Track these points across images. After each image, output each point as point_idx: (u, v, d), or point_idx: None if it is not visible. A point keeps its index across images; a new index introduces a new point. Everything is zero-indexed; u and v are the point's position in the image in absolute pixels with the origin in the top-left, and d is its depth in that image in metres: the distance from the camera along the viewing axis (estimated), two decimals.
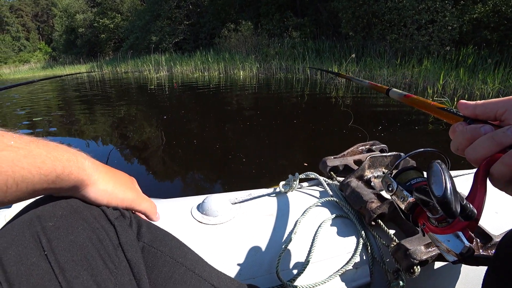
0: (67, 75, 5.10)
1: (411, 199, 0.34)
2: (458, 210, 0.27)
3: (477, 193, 0.30)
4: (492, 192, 0.68)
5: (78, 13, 22.59)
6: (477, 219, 0.28)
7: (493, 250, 0.54)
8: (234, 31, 11.87)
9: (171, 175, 2.48)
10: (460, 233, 0.29)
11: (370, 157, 0.61)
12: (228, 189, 2.15)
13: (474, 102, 0.34)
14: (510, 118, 0.30)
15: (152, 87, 8.17)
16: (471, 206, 0.28)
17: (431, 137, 3.18)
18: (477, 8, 7.11)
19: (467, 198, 0.30)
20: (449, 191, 0.27)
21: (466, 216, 0.27)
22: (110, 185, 0.38)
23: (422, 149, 0.40)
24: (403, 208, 0.35)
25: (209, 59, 11.37)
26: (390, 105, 4.83)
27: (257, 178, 2.17)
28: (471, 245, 0.29)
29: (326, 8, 10.85)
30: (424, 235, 0.31)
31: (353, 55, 8.33)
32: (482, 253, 0.53)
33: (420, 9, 7.46)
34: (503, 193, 0.67)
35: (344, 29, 9.22)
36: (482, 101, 0.33)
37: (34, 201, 0.36)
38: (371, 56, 8.49)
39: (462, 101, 0.35)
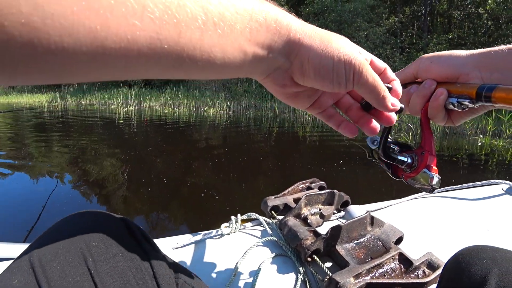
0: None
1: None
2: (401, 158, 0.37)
3: (426, 136, 0.38)
4: (414, 221, 0.75)
5: None
6: (433, 155, 0.36)
7: (415, 273, 0.59)
8: None
9: (134, 214, 2.37)
10: (425, 170, 0.36)
11: (306, 196, 0.66)
12: (193, 228, 2.10)
13: (397, 73, 0.41)
14: (422, 75, 0.39)
15: (121, 121, 7.99)
16: (408, 155, 0.37)
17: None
18: (419, 55, 8.15)
19: (420, 143, 0.38)
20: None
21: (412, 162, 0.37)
22: (335, 43, 0.26)
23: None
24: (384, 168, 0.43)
25: (180, 95, 11.49)
26: (352, 140, 5.14)
27: (224, 216, 2.15)
28: (437, 175, 0.36)
29: None
30: (407, 183, 0.39)
31: None
32: (406, 278, 0.58)
33: (373, 55, 8.37)
34: (425, 222, 0.74)
35: None
36: (400, 70, 0.42)
37: (72, 215, 0.36)
38: None
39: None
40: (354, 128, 0.33)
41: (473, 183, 0.88)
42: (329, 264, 0.64)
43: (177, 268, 0.40)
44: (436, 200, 0.85)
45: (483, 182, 0.88)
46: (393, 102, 0.29)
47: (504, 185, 0.89)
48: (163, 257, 0.38)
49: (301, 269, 0.62)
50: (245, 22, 0.21)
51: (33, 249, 0.31)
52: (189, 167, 3.59)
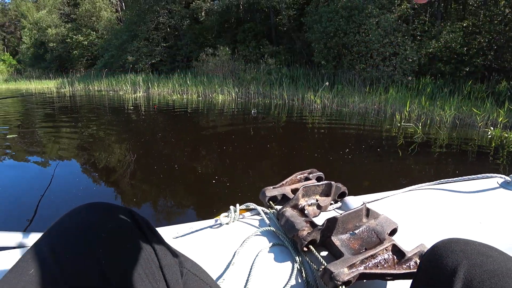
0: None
1: None
2: None
3: None
4: (409, 212, 0.76)
5: (51, 28, 21.89)
6: None
7: (407, 264, 0.61)
8: (212, 55, 12.17)
9: (137, 201, 2.43)
10: None
11: (304, 187, 0.67)
12: (195, 216, 2.15)
13: None
14: None
15: (131, 107, 8.07)
16: None
17: (393, 159, 3.37)
18: (432, 44, 7.89)
19: None
20: None
21: None
22: None
23: None
24: None
25: (188, 81, 11.46)
26: (360, 129, 5.09)
27: (228, 204, 2.19)
28: None
29: (300, 38, 11.48)
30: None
31: (327, 83, 8.79)
32: (398, 268, 0.60)
33: (384, 43, 8.13)
34: (419, 214, 0.76)
35: (316, 58, 9.76)
36: None
37: (82, 206, 0.38)
38: (342, 83, 9.00)
39: None
40: None
41: (469, 176, 0.88)
42: (325, 254, 0.66)
43: (180, 257, 0.42)
44: (432, 192, 0.85)
45: (478, 175, 0.88)
46: None
47: (499, 178, 0.89)
48: (167, 247, 0.40)
49: (297, 258, 0.64)
50: None
51: (45, 240, 0.33)
52: (195, 154, 3.63)
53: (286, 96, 8.96)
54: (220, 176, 2.73)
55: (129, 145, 4.04)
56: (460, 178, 0.88)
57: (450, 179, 0.88)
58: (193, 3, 14.41)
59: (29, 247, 0.33)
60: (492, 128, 5.27)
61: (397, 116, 6.07)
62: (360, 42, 8.52)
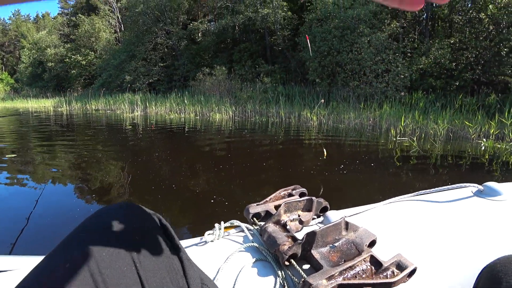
0: None
1: None
2: None
3: None
4: (388, 224, 0.78)
5: (50, 48, 22.32)
6: None
7: (384, 274, 0.63)
8: (208, 75, 12.41)
9: None
10: None
11: (285, 203, 0.70)
12: (188, 232, 2.15)
13: None
14: None
15: (130, 127, 8.13)
16: None
17: (388, 174, 3.41)
18: (422, 60, 8.13)
19: None
20: None
21: None
22: None
23: None
24: None
25: (185, 101, 11.62)
26: (356, 145, 5.15)
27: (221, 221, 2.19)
28: None
29: (295, 57, 11.79)
30: None
31: (322, 100, 8.96)
32: (376, 278, 0.62)
33: (376, 60, 8.38)
34: (397, 225, 0.79)
35: (311, 76, 10.00)
36: None
37: (115, 206, 0.37)
38: (337, 100, 9.18)
39: None
40: None
41: (445, 187, 0.92)
42: (306, 267, 0.68)
43: (200, 272, 0.42)
44: (410, 204, 0.89)
45: (454, 185, 0.92)
46: None
47: (473, 187, 0.93)
48: (189, 258, 0.40)
49: (279, 272, 0.66)
50: None
51: (80, 235, 0.33)
52: (191, 173, 3.65)
53: (282, 114, 9.08)
54: (217, 195, 2.74)
55: (125, 164, 4.05)
56: (437, 188, 0.92)
57: (427, 190, 0.91)
58: (191, 24, 14.87)
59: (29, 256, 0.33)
60: (484, 139, 5.35)
61: (392, 131, 6.16)
62: (353, 60, 8.77)
